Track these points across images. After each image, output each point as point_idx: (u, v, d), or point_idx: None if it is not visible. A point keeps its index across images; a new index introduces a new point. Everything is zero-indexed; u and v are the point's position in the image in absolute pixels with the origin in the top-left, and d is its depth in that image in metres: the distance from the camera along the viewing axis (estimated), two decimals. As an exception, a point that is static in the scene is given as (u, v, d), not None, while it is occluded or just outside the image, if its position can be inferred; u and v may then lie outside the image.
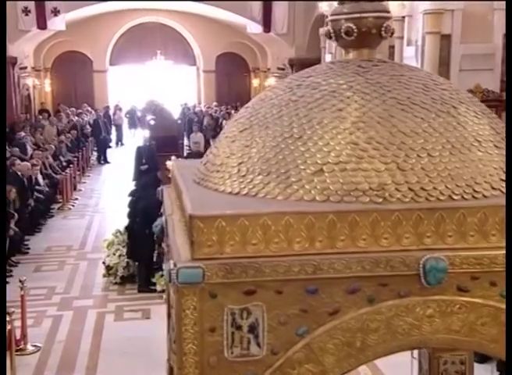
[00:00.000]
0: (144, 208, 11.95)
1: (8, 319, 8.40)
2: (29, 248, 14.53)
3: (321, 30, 23.55)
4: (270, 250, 2.64)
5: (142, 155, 17.95)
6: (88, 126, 27.77)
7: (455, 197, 2.79)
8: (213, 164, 3.23)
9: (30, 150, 20.09)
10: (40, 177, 17.66)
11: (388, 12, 3.31)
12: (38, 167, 17.17)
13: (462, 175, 2.84)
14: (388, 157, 2.84)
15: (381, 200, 2.76)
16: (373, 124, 2.92)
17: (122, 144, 30.97)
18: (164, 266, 2.93)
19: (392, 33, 3.35)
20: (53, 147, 21.16)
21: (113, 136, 30.84)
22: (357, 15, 3.23)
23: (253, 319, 2.64)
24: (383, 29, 3.28)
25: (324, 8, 23.19)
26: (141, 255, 12.01)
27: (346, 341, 2.68)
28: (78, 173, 22.40)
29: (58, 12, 26.63)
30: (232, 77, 35.30)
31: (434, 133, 2.92)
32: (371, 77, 3.12)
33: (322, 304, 2.67)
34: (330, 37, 3.35)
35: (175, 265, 2.56)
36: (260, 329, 2.65)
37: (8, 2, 25.87)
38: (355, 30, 3.23)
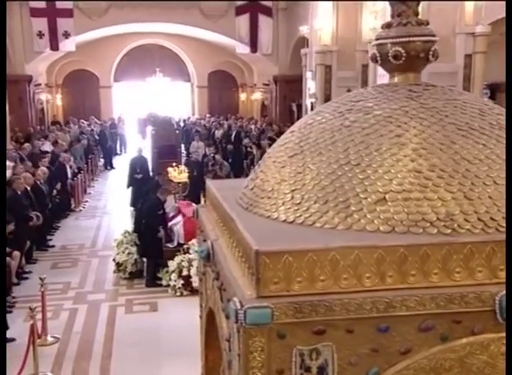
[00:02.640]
0: (148, 208, 11.56)
1: (30, 314, 7.93)
2: (48, 246, 13.99)
3: (303, 51, 23.12)
4: (339, 286, 2.17)
5: (135, 165, 17.36)
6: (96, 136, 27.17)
7: (525, 227, 2.32)
8: (262, 190, 2.74)
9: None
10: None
11: (434, 35, 2.85)
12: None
13: (530, 203, 2.38)
14: (453, 185, 2.37)
15: (449, 231, 2.29)
16: (435, 151, 2.45)
17: (125, 152, 30.34)
18: (225, 303, 2.41)
19: (437, 57, 2.89)
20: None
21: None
22: (406, 39, 2.76)
23: (322, 360, 2.16)
24: (431, 53, 2.82)
25: (305, 31, 22.75)
26: (149, 252, 11.57)
27: (418, 381, 2.21)
28: (88, 177, 21.80)
29: (69, 35, 26.14)
30: (223, 92, 34.76)
31: (497, 160, 2.46)
32: (425, 102, 2.65)
33: (394, 343, 2.19)
34: (376, 61, 2.87)
35: (241, 304, 2.07)
36: (329, 370, 2.17)
37: (25, 26, 25.45)
38: (404, 54, 2.77)
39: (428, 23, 2.85)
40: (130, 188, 16.75)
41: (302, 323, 2.12)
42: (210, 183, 3.47)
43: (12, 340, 8.63)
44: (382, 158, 2.46)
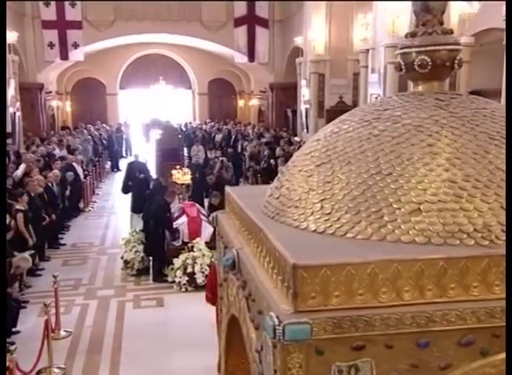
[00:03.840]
0: (156, 210, 11.32)
1: (45, 309, 7.70)
2: (60, 244, 13.74)
3: (297, 60, 22.96)
4: (377, 300, 1.96)
5: (132, 170, 16.92)
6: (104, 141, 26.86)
7: None
8: (289, 199, 2.52)
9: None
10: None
11: (459, 44, 2.65)
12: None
13: None
14: (489, 196, 2.16)
15: (487, 242, 2.08)
16: (469, 161, 2.24)
17: (130, 155, 30.04)
18: (263, 318, 2.18)
19: (461, 65, 2.68)
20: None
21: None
22: (432, 47, 2.55)
23: (361, 376, 1.95)
24: (456, 61, 2.61)
25: (299, 41, 22.58)
26: (155, 250, 11.36)
27: (458, 397, 2.00)
28: (96, 179, 21.50)
29: (78, 45, 25.88)
30: (222, 99, 34.43)
31: (532, 170, 2.25)
32: (454, 111, 2.44)
33: (433, 358, 1.99)
34: (400, 70, 2.66)
35: (279, 320, 1.86)
36: (368, 386, 1.96)
37: (37, 38, 25.20)
38: (429, 63, 2.56)
39: (452, 32, 2.64)
40: (130, 194, 16.42)
41: (341, 338, 1.91)
42: (230, 189, 3.25)
43: (18, 332, 8.45)
44: (415, 168, 2.25)
